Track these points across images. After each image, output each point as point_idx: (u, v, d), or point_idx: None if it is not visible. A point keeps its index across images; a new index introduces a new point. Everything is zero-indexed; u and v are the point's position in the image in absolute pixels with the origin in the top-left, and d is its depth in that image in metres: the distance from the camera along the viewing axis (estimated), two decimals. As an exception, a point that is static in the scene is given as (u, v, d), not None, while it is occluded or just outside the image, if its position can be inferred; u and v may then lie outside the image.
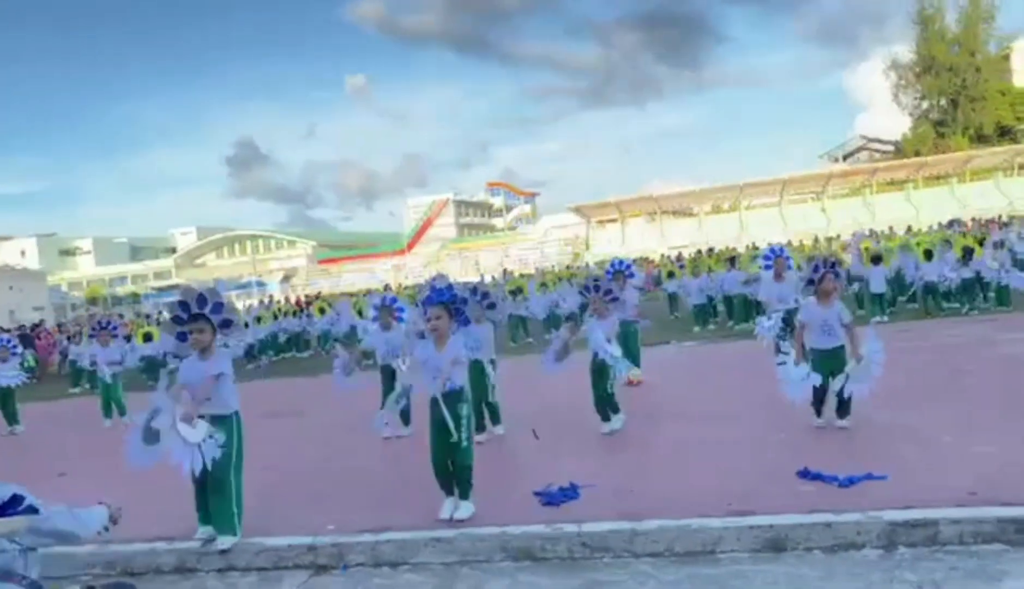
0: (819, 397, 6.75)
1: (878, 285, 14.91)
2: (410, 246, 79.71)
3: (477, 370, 7.53)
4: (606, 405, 7.54)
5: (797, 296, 8.63)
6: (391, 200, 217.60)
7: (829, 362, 6.67)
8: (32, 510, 2.92)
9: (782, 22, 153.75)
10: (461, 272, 52.99)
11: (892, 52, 75.03)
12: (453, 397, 5.33)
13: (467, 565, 4.74)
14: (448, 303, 5.55)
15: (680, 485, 5.52)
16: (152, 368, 17.91)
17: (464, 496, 5.38)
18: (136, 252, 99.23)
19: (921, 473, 5.14)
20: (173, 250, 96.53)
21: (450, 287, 5.81)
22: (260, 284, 73.52)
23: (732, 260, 19.12)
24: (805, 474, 5.32)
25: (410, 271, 63.26)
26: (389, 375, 8.50)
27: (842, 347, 6.65)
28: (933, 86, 72.12)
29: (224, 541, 5.15)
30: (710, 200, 65.87)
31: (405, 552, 4.91)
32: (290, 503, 6.06)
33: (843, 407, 6.64)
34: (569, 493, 5.46)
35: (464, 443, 5.34)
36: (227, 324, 5.41)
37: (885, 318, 14.29)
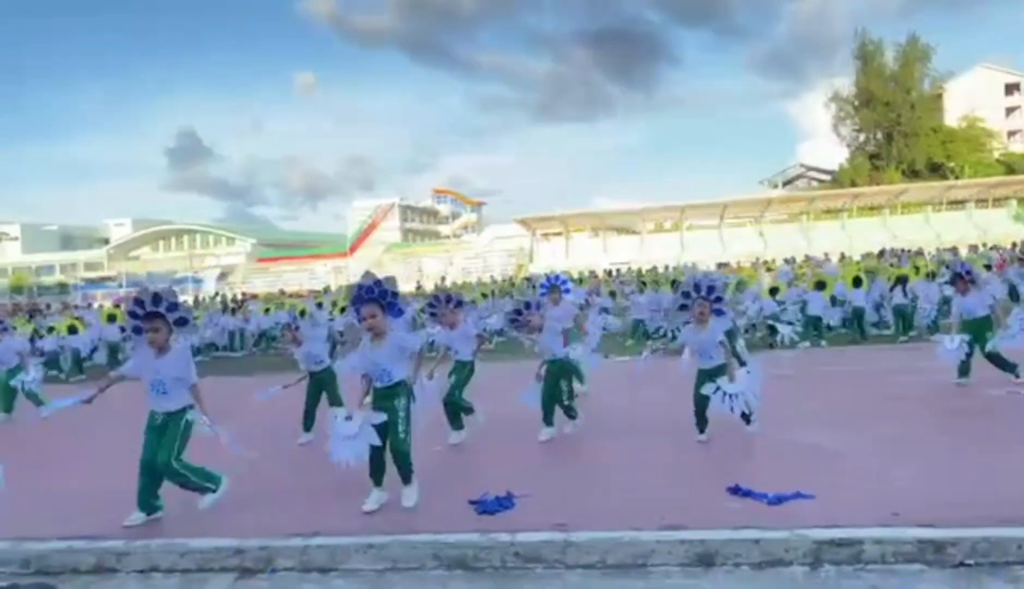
0: (701, 412, 7.08)
1: (815, 308, 15.28)
2: (353, 249, 78.92)
3: (464, 369, 7.77)
4: (559, 407, 7.63)
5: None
6: (336, 201, 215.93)
7: (709, 379, 6.99)
8: None
9: (734, 49, 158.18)
10: (404, 277, 52.69)
11: (834, 85, 77.67)
12: (392, 390, 5.51)
13: (399, 572, 4.68)
14: (379, 299, 5.54)
15: (614, 497, 5.56)
16: (77, 360, 17.39)
17: (407, 481, 5.55)
18: (67, 241, 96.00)
19: (847, 494, 5.27)
20: (106, 241, 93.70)
21: (378, 282, 5.61)
22: (196, 280, 71.95)
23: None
24: (736, 490, 5.40)
25: (352, 274, 62.52)
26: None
27: (723, 366, 6.97)
28: (870, 119, 74.82)
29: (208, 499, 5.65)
30: (653, 219, 66.91)
31: (336, 557, 4.82)
32: (217, 504, 5.88)
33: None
34: (504, 502, 5.45)
35: (402, 434, 5.50)
36: (182, 323, 5.54)
37: (823, 343, 14.70)
